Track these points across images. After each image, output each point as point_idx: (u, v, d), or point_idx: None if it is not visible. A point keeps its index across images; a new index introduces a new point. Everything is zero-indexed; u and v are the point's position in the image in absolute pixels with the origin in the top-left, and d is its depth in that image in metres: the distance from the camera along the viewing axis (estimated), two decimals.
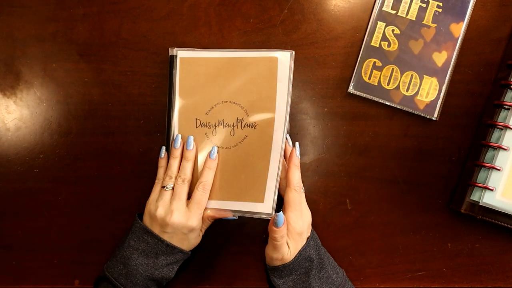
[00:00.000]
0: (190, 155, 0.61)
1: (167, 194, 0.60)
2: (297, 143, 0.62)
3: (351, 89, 0.67)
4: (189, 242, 0.60)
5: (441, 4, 0.66)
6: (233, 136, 0.62)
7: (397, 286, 0.69)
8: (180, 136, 0.62)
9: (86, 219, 0.69)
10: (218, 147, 0.62)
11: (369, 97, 0.67)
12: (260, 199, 0.61)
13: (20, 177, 0.68)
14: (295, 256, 0.58)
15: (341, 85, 0.68)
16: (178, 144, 0.62)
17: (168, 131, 0.64)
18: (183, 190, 0.60)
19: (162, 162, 0.63)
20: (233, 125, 0.62)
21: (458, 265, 0.69)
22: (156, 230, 0.59)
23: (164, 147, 0.64)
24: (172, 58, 0.64)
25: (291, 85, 0.61)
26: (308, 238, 0.59)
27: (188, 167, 0.61)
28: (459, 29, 0.66)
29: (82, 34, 0.68)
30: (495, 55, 0.67)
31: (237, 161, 0.62)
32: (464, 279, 0.69)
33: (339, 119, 0.68)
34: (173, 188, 0.60)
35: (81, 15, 0.67)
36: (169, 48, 0.64)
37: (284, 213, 0.58)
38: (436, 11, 0.66)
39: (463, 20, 0.66)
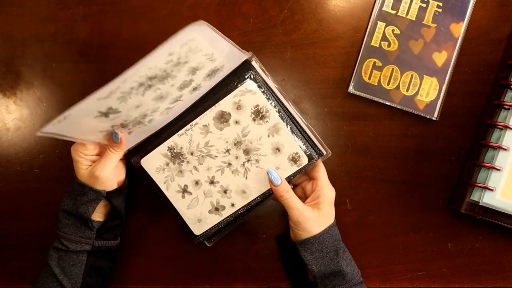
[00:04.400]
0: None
1: None
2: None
3: (351, 89, 0.67)
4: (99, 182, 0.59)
5: (441, 4, 0.66)
6: None
7: (397, 286, 0.69)
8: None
9: None
10: None
11: (369, 97, 0.67)
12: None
13: (20, 177, 0.68)
14: (325, 229, 0.59)
15: (341, 85, 0.68)
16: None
17: None
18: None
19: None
20: None
21: (458, 265, 0.69)
22: None
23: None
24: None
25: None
26: (334, 221, 0.61)
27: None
28: (459, 29, 0.66)
29: (82, 34, 0.68)
30: (495, 55, 0.67)
31: None
32: (464, 279, 0.69)
33: (339, 119, 0.68)
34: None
35: (81, 15, 0.67)
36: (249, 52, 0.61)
37: (315, 181, 0.61)
38: (436, 11, 0.66)
39: (463, 20, 0.66)
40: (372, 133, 0.68)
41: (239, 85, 0.59)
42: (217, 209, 0.63)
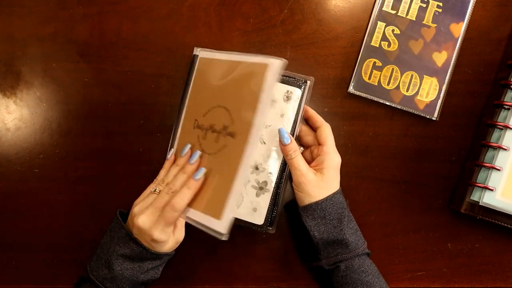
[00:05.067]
0: (189, 169, 0.59)
1: (152, 197, 0.58)
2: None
3: (351, 89, 0.67)
4: (164, 245, 0.58)
5: (441, 4, 0.66)
6: (217, 144, 0.58)
7: (397, 286, 0.69)
8: (189, 146, 0.61)
9: (86, 219, 0.69)
10: (201, 153, 0.60)
11: (369, 97, 0.67)
12: (218, 215, 0.55)
13: (20, 177, 0.68)
14: (328, 196, 0.58)
15: (341, 85, 0.68)
16: (185, 152, 0.61)
17: (175, 128, 0.65)
18: (164, 199, 0.57)
19: (166, 164, 0.62)
20: (219, 131, 0.59)
21: (458, 265, 0.69)
22: (130, 227, 0.58)
23: (172, 149, 0.63)
24: (194, 58, 0.64)
25: (273, 95, 0.58)
26: (339, 189, 0.60)
27: (180, 180, 0.58)
28: (459, 29, 0.66)
29: (82, 34, 0.68)
30: (495, 55, 0.67)
31: (212, 170, 0.58)
32: (464, 279, 0.69)
33: (339, 119, 0.68)
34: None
35: (81, 15, 0.67)
36: (194, 47, 0.65)
37: (321, 147, 0.60)
38: (436, 11, 0.66)
39: (463, 20, 0.66)
40: (372, 133, 0.68)
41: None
42: (261, 188, 0.63)
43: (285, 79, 0.62)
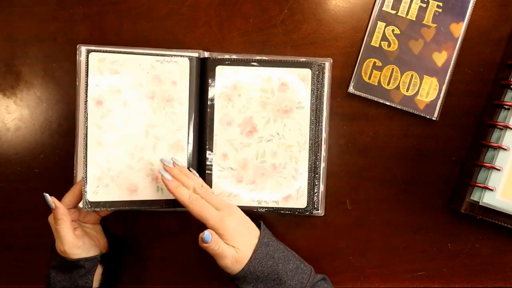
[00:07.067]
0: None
1: None
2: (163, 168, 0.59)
3: (351, 89, 0.67)
4: (84, 247, 0.59)
5: (441, 4, 0.66)
6: None
7: (397, 286, 0.69)
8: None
9: None
10: None
11: (369, 97, 0.67)
12: None
13: (20, 177, 0.68)
14: (251, 258, 0.56)
15: (341, 85, 0.68)
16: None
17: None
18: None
19: None
20: None
21: (458, 265, 0.69)
22: None
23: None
24: (203, 60, 0.65)
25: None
26: (259, 237, 0.58)
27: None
28: (459, 29, 0.66)
29: (82, 34, 0.68)
30: (495, 55, 0.67)
31: None
32: (464, 279, 0.69)
33: (339, 119, 0.68)
34: None
35: (81, 15, 0.67)
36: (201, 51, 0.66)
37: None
38: (436, 11, 0.66)
39: (463, 20, 0.66)
40: (372, 133, 0.68)
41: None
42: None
43: (294, 62, 0.65)
